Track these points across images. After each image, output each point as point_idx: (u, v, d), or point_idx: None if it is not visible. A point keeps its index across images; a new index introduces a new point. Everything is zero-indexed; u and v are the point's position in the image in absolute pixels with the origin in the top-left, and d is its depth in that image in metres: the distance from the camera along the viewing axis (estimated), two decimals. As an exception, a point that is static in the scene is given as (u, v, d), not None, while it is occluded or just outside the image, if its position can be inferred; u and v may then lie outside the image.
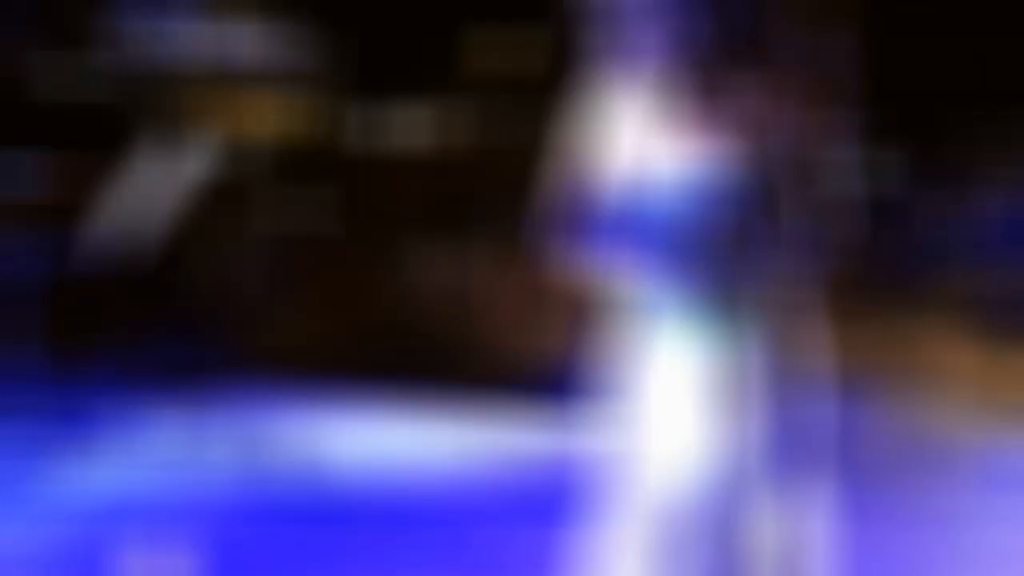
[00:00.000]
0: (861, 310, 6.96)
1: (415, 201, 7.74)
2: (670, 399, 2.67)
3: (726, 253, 2.66)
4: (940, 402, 6.88)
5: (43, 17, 7.87)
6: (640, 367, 2.71)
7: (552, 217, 2.78)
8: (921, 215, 8.28)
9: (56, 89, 7.74)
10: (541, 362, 7.26)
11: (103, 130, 7.55)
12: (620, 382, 2.76)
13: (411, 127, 8.03)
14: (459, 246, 7.71)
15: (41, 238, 7.21)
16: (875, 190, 7.83)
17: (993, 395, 6.96)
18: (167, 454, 5.88)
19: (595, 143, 2.72)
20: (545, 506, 5.19)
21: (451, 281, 7.68)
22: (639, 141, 2.66)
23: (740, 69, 2.66)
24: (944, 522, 5.03)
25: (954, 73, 8.32)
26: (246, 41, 8.05)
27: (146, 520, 4.88)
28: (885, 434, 6.01)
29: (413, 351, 7.47)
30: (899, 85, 7.32)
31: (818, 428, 2.74)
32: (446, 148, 7.96)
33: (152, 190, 6.39)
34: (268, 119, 7.99)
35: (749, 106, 2.66)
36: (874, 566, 4.53)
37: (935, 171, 8.32)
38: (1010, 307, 7.63)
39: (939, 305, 7.99)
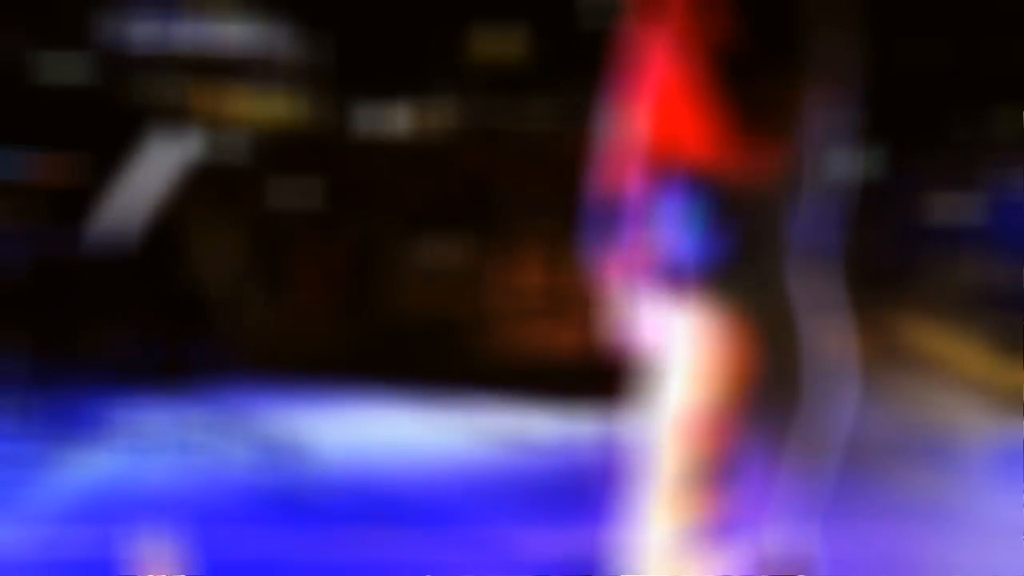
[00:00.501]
0: (857, 304, 6.97)
1: (408, 191, 7.74)
2: (693, 392, 2.67)
3: (756, 249, 2.67)
4: (938, 396, 6.89)
5: (39, 11, 7.87)
6: (663, 359, 2.71)
7: (592, 213, 2.78)
8: (914, 209, 8.28)
9: (51, 80, 7.74)
10: (543, 353, 7.27)
11: (96, 121, 7.55)
12: (640, 373, 2.77)
13: (404, 119, 8.04)
14: (458, 236, 7.72)
15: (32, 227, 7.21)
16: (870, 184, 7.85)
17: (991, 389, 6.97)
18: (158, 448, 5.87)
19: (624, 141, 2.72)
20: (555, 498, 5.21)
21: (449, 270, 7.68)
22: (668, 137, 2.65)
23: (776, 71, 2.67)
24: (941, 516, 5.04)
25: (947, 71, 8.33)
26: (239, 35, 8.05)
27: (137, 514, 4.88)
28: (882, 427, 6.02)
29: (408, 340, 7.48)
30: (892, 82, 7.34)
31: (838, 420, 2.76)
32: (440, 139, 7.96)
33: (144, 180, 6.39)
34: (264, 111, 7.99)
35: (784, 107, 2.67)
36: (873, 560, 4.54)
37: (928, 167, 8.33)
38: (1006, 301, 7.64)
39: (933, 299, 8.00)
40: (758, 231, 2.68)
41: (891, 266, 7.93)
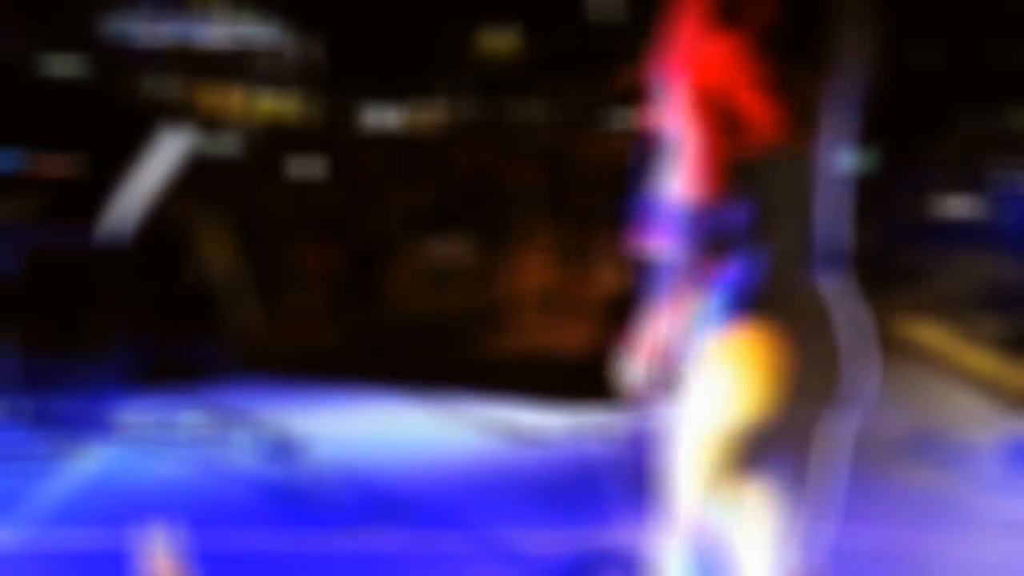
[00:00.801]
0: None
1: (410, 189, 7.75)
2: (732, 401, 2.65)
3: (791, 254, 2.67)
4: (942, 394, 6.89)
5: (42, 10, 7.88)
6: (694, 369, 2.70)
7: (640, 210, 2.76)
8: (918, 207, 8.29)
9: (53, 78, 7.75)
10: (544, 349, 7.27)
11: (98, 119, 7.56)
12: (663, 381, 2.76)
13: (406, 117, 8.04)
14: (460, 233, 7.72)
15: (34, 224, 7.21)
16: (873, 183, 7.84)
17: (996, 386, 6.97)
18: (158, 446, 5.87)
19: (667, 137, 2.70)
20: (558, 494, 5.21)
21: (451, 267, 7.68)
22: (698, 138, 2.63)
23: (801, 66, 2.66)
24: (946, 515, 5.03)
25: (951, 68, 8.33)
26: (240, 34, 8.06)
27: (137, 512, 4.88)
28: (886, 425, 6.01)
29: (409, 336, 7.48)
30: (895, 80, 7.34)
31: (858, 420, 2.76)
32: (441, 137, 7.97)
33: (144, 178, 6.39)
34: (265, 109, 7.99)
35: (806, 100, 2.66)
36: (876, 559, 4.54)
37: (933, 164, 8.33)
38: (1011, 298, 7.63)
39: (938, 296, 7.99)
40: (794, 232, 2.68)
41: (895, 264, 7.93)
